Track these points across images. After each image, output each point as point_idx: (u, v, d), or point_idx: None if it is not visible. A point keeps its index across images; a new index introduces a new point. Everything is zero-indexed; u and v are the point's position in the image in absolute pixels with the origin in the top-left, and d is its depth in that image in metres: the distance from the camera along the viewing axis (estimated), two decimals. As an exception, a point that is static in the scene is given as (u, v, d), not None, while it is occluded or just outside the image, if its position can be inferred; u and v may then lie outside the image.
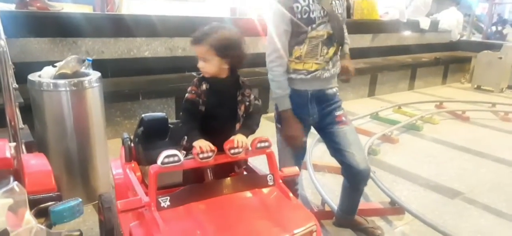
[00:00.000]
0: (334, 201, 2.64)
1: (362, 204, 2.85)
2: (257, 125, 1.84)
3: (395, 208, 2.76)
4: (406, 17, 7.30)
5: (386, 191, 2.86)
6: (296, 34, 2.03)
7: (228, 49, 1.67)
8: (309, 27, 2.01)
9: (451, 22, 8.12)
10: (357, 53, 6.58)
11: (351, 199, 2.40)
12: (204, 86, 1.72)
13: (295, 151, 2.21)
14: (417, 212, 2.57)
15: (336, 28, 2.06)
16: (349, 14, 6.93)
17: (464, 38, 8.82)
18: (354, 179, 2.22)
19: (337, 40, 2.10)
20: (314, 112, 2.16)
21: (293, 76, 2.09)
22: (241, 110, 1.77)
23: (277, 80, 2.07)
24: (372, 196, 3.01)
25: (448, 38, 8.26)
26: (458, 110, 5.45)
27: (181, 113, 1.79)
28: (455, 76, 8.14)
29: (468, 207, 2.95)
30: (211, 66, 1.69)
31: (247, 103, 1.77)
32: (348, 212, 2.46)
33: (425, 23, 7.60)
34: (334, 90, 2.21)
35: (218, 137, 1.67)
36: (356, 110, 5.42)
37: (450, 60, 7.93)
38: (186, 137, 1.78)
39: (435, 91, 7.23)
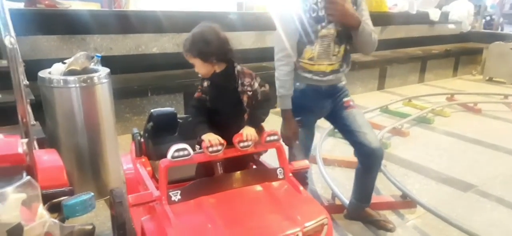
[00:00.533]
0: (344, 195, 2.62)
1: (373, 198, 2.83)
2: (266, 114, 1.83)
3: (406, 202, 2.73)
4: (415, 9, 7.20)
5: (397, 184, 2.84)
6: (306, 33, 2.02)
7: (206, 49, 1.70)
8: (319, 26, 2.00)
9: (462, 13, 7.98)
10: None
11: (365, 185, 2.37)
12: (205, 83, 1.80)
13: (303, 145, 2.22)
14: (429, 205, 2.54)
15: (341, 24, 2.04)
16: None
17: (475, 29, 8.68)
18: (368, 160, 2.20)
19: (346, 37, 2.08)
20: (327, 104, 2.20)
21: (308, 75, 2.10)
22: (245, 101, 1.75)
23: (282, 79, 2.06)
24: (383, 189, 2.98)
25: (459, 29, 8.13)
26: (470, 102, 5.37)
27: (189, 108, 1.83)
28: (466, 68, 8.02)
29: (481, 200, 2.91)
30: (201, 68, 1.76)
31: (250, 93, 1.75)
32: (362, 199, 2.42)
33: (435, 15, 7.49)
34: (344, 83, 2.26)
35: (227, 132, 1.68)
36: (366, 103, 5.36)
37: (461, 51, 7.81)
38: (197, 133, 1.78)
39: (446, 84, 7.13)
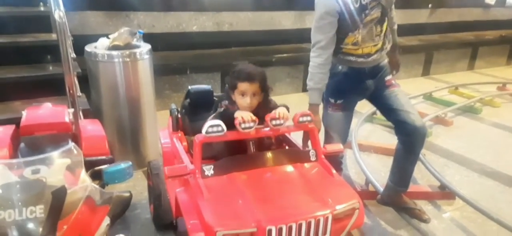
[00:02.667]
0: (379, 181, 2.56)
1: (411, 187, 2.76)
2: None
3: (444, 193, 2.63)
4: (470, -9, 6.73)
5: (435, 174, 2.73)
6: (348, 24, 1.97)
7: (266, 83, 1.83)
8: (363, 15, 1.96)
9: (521, -4, 7.37)
10: (411, 30, 6.23)
11: (405, 167, 2.28)
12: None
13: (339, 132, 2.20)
14: (469, 198, 2.43)
15: (387, 6, 2.02)
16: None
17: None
18: (410, 139, 2.13)
19: (387, 13, 2.05)
20: (370, 84, 2.16)
21: (351, 58, 2.07)
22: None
23: (312, 72, 2.01)
24: (420, 179, 2.88)
25: (517, 13, 7.52)
26: (524, 93, 5.01)
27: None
28: (523, 56, 7.44)
29: (528, 197, 2.74)
30: (256, 100, 1.80)
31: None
32: (400, 183, 2.33)
33: (491, -3, 6.97)
34: (386, 61, 2.22)
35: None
36: (408, 90, 5.13)
37: (517, 38, 7.24)
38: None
39: (498, 72, 6.66)
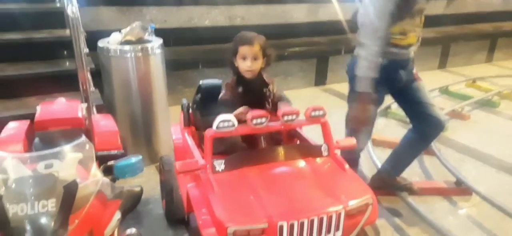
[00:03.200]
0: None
1: (424, 182, 2.71)
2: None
3: (460, 189, 2.57)
4: (488, -19, 6.53)
5: (452, 169, 2.67)
6: (405, 10, 1.95)
7: (268, 50, 1.91)
8: (415, 2, 1.98)
9: (543, -15, 7.11)
10: (427, 21, 6.06)
11: (410, 157, 2.35)
12: (240, 89, 1.90)
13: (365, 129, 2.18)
14: (486, 194, 2.37)
15: None
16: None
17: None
18: (430, 129, 2.19)
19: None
20: (404, 75, 2.16)
21: (394, 50, 2.05)
22: (269, 103, 1.94)
23: (372, 60, 1.93)
24: (436, 175, 2.82)
25: (538, 4, 7.27)
26: (545, 86, 4.85)
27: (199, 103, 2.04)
28: (543, 47, 7.20)
29: (548, 193, 2.65)
30: (258, 64, 1.87)
31: (270, 97, 1.95)
32: (398, 171, 2.40)
33: (510, -13, 6.76)
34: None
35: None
36: (424, 82, 5.05)
37: (538, 29, 7.01)
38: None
39: (517, 65, 6.49)
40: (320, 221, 1.40)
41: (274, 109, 1.87)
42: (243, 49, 1.84)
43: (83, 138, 1.42)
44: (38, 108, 2.04)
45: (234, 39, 1.92)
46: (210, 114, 2.08)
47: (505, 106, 4.34)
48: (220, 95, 1.96)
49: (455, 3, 6.31)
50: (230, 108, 1.79)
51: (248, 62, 1.85)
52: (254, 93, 1.91)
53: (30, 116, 1.99)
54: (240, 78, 1.91)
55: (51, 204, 1.15)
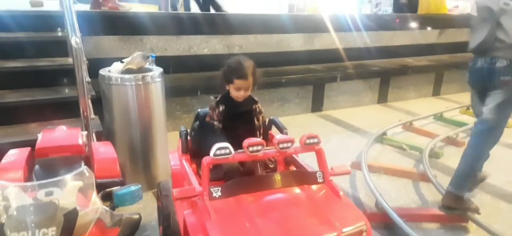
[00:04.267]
0: (389, 203, 2.54)
1: (420, 209, 2.74)
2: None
3: (458, 216, 2.58)
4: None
5: (447, 196, 2.69)
6: None
7: (256, 73, 2.02)
8: None
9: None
10: (421, 50, 6.24)
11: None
12: (221, 108, 2.02)
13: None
14: (482, 221, 2.38)
15: None
16: (414, 9, 6.58)
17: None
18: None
19: None
20: None
21: None
22: (258, 121, 2.10)
23: None
24: (432, 201, 2.84)
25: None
26: (538, 113, 4.92)
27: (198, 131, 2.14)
28: (536, 75, 7.33)
29: (543, 219, 2.67)
30: (248, 93, 2.02)
31: (259, 115, 2.11)
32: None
33: (501, 17, 6.94)
34: None
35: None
36: (418, 110, 5.13)
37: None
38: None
39: (510, 92, 6.58)
40: (315, 248, 1.42)
41: (263, 128, 2.04)
42: (238, 82, 1.96)
43: (84, 166, 1.46)
44: (40, 135, 2.09)
45: (228, 68, 2.00)
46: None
47: (500, 133, 4.39)
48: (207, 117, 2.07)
49: (447, 32, 6.48)
50: (212, 129, 1.94)
51: (241, 92, 1.98)
52: (240, 111, 2.05)
53: (31, 143, 2.03)
54: (226, 98, 2.03)
55: (52, 232, 1.18)
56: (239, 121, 2.04)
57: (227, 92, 2.04)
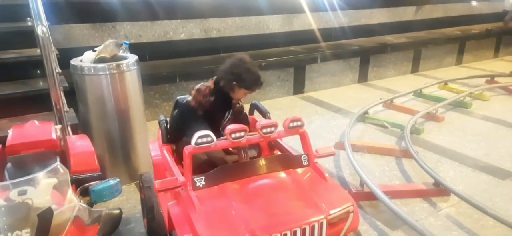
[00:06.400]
0: (373, 181, 2.55)
1: (404, 185, 2.77)
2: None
3: (439, 190, 2.63)
4: (453, -13, 6.80)
5: (429, 171, 2.73)
6: None
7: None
8: None
9: (505, -11, 7.46)
10: (398, 27, 6.28)
11: None
12: (212, 98, 1.99)
13: None
14: (464, 194, 2.43)
15: None
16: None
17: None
18: None
19: None
20: None
21: None
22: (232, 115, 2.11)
23: None
24: (414, 177, 2.88)
25: (501, 7, 7.62)
26: (512, 85, 5.06)
27: (181, 113, 2.07)
28: (509, 49, 7.54)
29: (521, 188, 2.75)
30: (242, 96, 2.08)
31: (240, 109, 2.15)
32: None
33: (475, -8, 7.06)
34: None
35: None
36: (398, 87, 5.19)
37: (503, 31, 7.33)
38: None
39: (486, 66, 6.74)
40: (303, 232, 1.40)
41: (233, 121, 2.04)
42: (249, 93, 2.01)
43: (57, 162, 1.38)
44: (10, 131, 1.98)
45: (246, 73, 1.95)
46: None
47: (477, 106, 4.50)
48: (186, 99, 2.01)
49: (424, 9, 6.54)
50: (193, 117, 1.91)
51: (243, 98, 2.07)
52: (223, 106, 2.06)
53: (2, 140, 1.92)
54: (220, 93, 1.98)
55: (26, 234, 1.11)
56: (217, 113, 2.04)
57: (222, 87, 2.00)
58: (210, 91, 1.99)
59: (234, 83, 1.94)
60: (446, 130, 3.82)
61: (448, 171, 3.01)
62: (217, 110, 2.01)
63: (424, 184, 2.71)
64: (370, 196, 2.53)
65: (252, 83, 1.95)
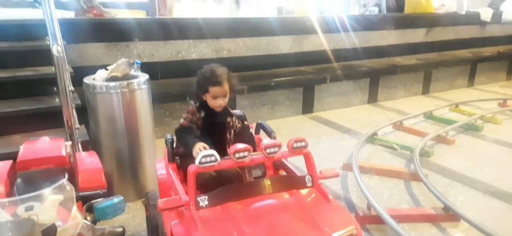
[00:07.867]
0: (381, 204, 2.52)
1: (412, 209, 2.73)
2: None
3: (449, 215, 2.57)
4: (464, 9, 6.80)
5: (439, 195, 2.68)
6: None
7: (232, 80, 1.97)
8: None
9: (517, 12, 7.42)
10: (408, 49, 6.27)
11: None
12: (202, 114, 1.97)
13: None
14: (474, 219, 2.38)
15: None
16: (400, 8, 6.62)
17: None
18: None
19: None
20: None
21: None
22: (231, 134, 2.04)
23: None
24: (423, 201, 2.83)
25: (514, 29, 7.57)
26: (525, 109, 4.98)
27: (178, 136, 2.04)
28: (522, 71, 7.44)
29: (534, 215, 2.68)
30: (227, 98, 1.96)
31: (233, 128, 2.05)
32: None
33: (486, 15, 7.02)
34: None
35: None
36: (408, 109, 5.15)
37: (516, 54, 7.26)
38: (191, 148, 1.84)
39: (498, 88, 6.65)
40: (305, 254, 1.39)
41: (235, 140, 1.98)
42: (214, 90, 1.91)
43: (64, 179, 1.41)
44: (21, 147, 2.02)
45: (202, 76, 1.96)
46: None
47: (488, 129, 4.43)
48: (179, 122, 2.01)
49: (434, 31, 6.54)
50: (189, 134, 1.89)
51: (219, 101, 1.93)
52: (216, 121, 2.00)
53: (14, 155, 1.97)
54: (204, 106, 1.99)
55: (29, 250, 1.13)
56: (214, 132, 1.99)
57: (205, 102, 1.99)
58: (197, 107, 2.00)
59: (201, 85, 1.95)
60: (457, 153, 3.77)
61: (458, 195, 2.95)
62: (212, 126, 1.98)
63: (433, 208, 2.66)
64: (378, 220, 2.49)
65: (210, 73, 1.93)
